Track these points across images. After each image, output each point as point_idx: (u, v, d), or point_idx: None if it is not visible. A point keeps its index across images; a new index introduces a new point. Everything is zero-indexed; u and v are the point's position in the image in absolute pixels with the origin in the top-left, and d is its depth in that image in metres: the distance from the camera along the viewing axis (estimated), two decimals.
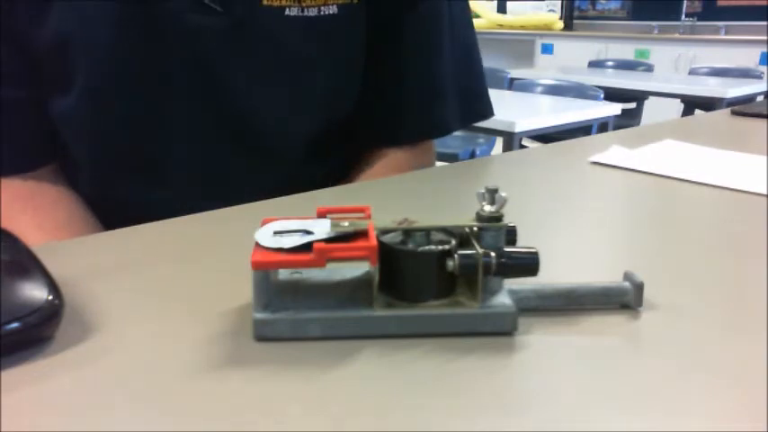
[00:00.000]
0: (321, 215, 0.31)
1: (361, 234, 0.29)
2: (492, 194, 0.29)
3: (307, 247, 0.27)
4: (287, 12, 0.55)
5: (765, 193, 0.52)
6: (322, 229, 0.29)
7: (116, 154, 0.59)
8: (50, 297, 0.28)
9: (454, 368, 0.26)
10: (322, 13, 0.56)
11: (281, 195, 0.51)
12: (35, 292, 0.28)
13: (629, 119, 3.35)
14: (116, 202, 0.60)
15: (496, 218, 0.29)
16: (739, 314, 0.31)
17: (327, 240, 0.28)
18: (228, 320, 0.30)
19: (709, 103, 2.86)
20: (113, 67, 0.55)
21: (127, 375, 0.26)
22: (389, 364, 0.27)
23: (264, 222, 0.30)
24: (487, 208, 0.29)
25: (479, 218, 0.29)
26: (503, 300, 0.29)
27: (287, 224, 0.30)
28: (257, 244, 0.28)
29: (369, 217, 0.31)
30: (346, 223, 0.29)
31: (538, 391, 0.25)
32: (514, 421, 0.23)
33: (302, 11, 0.55)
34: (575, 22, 6.42)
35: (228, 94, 0.57)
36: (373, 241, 0.27)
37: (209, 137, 0.58)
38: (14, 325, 0.26)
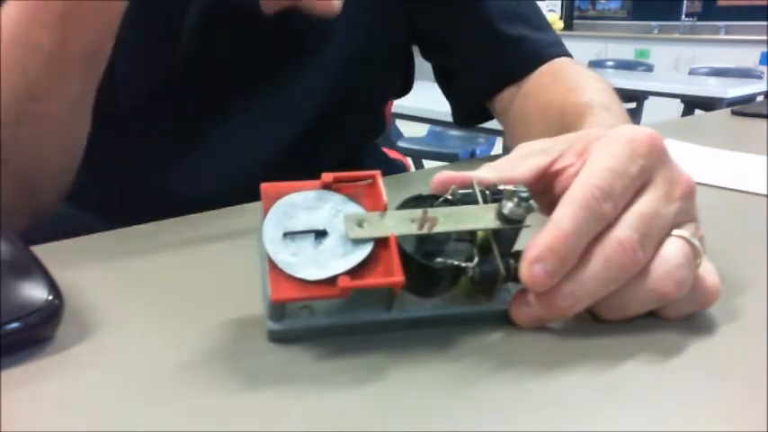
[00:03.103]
0: (326, 185, 0.29)
1: (380, 241, 0.27)
2: (521, 199, 0.28)
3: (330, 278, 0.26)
4: None
5: (765, 193, 0.52)
6: (335, 228, 0.27)
7: (137, 131, 0.60)
8: (50, 297, 0.28)
9: (460, 367, 0.26)
10: None
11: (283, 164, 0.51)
12: (35, 292, 0.28)
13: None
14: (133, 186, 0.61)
15: (518, 220, 0.28)
16: (739, 314, 0.31)
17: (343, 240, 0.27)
18: (230, 319, 0.30)
19: (709, 103, 2.86)
20: (154, 55, 0.56)
21: (127, 375, 0.26)
22: (397, 362, 0.27)
23: (265, 195, 0.28)
24: (511, 208, 0.28)
25: (500, 216, 0.28)
26: (507, 296, 0.30)
27: (293, 212, 0.28)
28: (271, 261, 0.26)
29: (378, 184, 0.29)
30: (360, 228, 0.27)
31: (541, 390, 0.25)
32: (517, 421, 0.23)
33: None
34: (575, 21, 6.42)
35: (247, 75, 0.58)
36: (399, 276, 0.26)
37: (218, 116, 0.59)
38: (14, 325, 0.26)
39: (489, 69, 0.63)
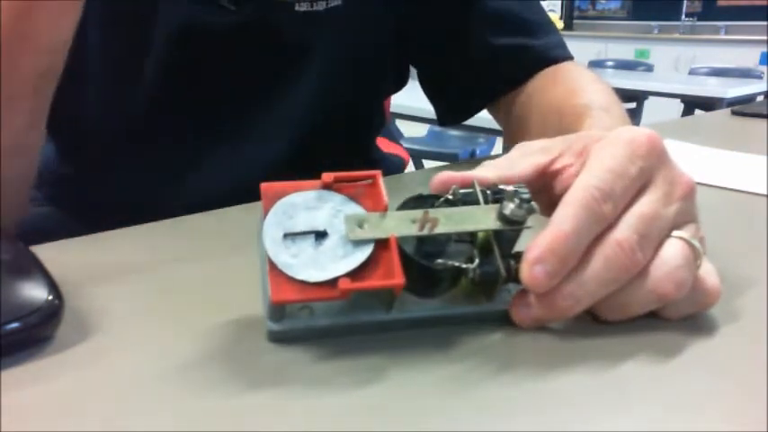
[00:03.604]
0: (327, 185, 0.29)
1: (380, 242, 0.27)
2: (523, 200, 0.28)
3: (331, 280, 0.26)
4: (297, 7, 0.56)
5: (765, 193, 0.52)
6: (335, 228, 0.27)
7: (118, 147, 0.59)
8: (50, 297, 0.28)
9: (460, 367, 0.26)
10: (330, 5, 0.57)
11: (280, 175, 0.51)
12: (35, 292, 0.28)
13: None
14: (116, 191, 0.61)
15: (519, 222, 0.28)
16: (739, 315, 0.31)
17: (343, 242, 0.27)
18: (230, 319, 0.30)
19: (709, 103, 2.86)
20: (127, 67, 0.56)
21: (127, 375, 0.26)
22: (398, 363, 0.27)
23: (265, 195, 0.28)
24: (512, 209, 0.28)
25: (501, 217, 0.28)
26: (507, 296, 0.30)
27: (293, 212, 0.28)
28: (271, 263, 0.26)
29: (378, 185, 0.28)
30: (361, 229, 0.27)
31: (541, 390, 0.25)
32: (518, 421, 0.23)
33: (311, 5, 0.56)
34: (575, 21, 6.42)
35: (234, 90, 0.58)
36: (400, 278, 0.26)
37: (209, 129, 0.59)
38: (14, 325, 0.26)
39: (487, 77, 0.63)
